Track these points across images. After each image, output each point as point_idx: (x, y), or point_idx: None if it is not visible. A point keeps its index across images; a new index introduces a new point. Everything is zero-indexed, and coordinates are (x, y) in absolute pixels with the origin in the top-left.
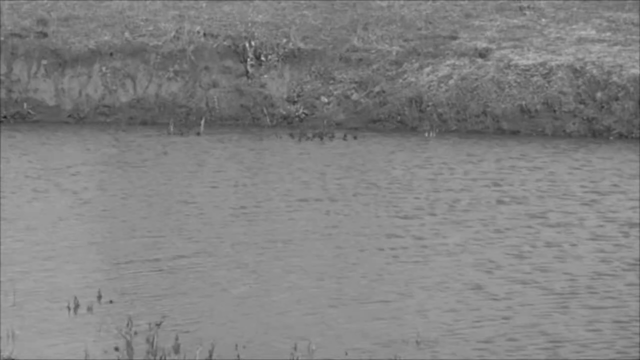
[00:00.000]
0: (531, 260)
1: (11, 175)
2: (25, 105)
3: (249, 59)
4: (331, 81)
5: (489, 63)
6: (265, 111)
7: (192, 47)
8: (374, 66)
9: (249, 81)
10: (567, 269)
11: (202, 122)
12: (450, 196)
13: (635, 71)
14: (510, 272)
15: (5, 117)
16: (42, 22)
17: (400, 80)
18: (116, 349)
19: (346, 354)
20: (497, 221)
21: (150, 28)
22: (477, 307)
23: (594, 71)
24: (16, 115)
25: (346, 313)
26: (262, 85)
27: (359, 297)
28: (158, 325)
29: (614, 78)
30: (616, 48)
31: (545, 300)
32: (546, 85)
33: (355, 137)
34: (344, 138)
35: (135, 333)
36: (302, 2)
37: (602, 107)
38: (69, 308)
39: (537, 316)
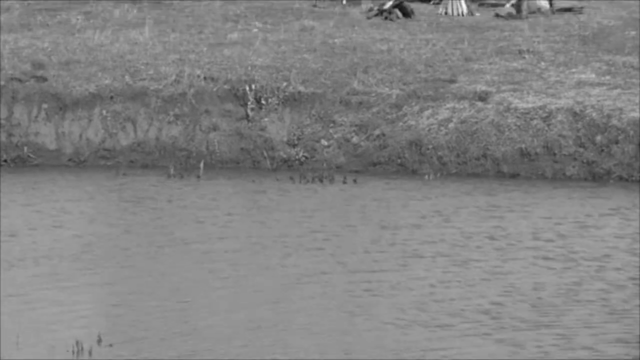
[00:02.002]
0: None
1: (11, 218)
2: (25, 149)
3: (249, 103)
4: (331, 124)
5: (489, 106)
6: (265, 154)
7: (192, 90)
8: (374, 109)
9: (249, 124)
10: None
11: (202, 165)
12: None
13: (635, 114)
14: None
15: (5, 160)
16: (43, 66)
17: (401, 124)
18: None
19: None
20: (489, 261)
21: (151, 72)
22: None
23: (594, 114)
24: (17, 159)
25: None
26: (263, 129)
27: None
28: None
29: (614, 121)
30: (616, 91)
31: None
32: (546, 128)
33: (355, 180)
34: (344, 181)
35: None
36: (302, 45)
37: (602, 150)
38: (72, 352)
39: None
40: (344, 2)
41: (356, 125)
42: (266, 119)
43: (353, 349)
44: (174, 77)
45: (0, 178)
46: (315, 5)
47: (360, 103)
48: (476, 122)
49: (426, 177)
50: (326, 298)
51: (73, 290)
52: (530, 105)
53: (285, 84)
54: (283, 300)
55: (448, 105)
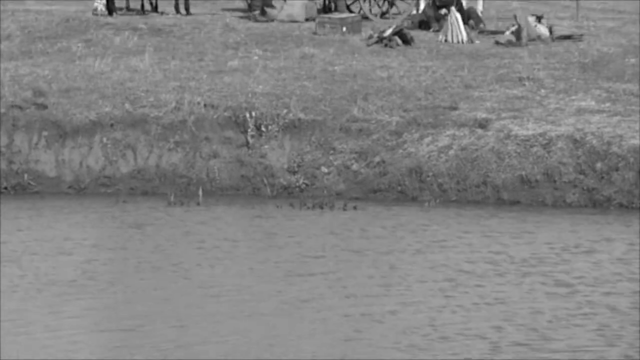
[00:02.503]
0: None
1: (11, 244)
2: (25, 176)
3: (249, 130)
4: (331, 151)
5: (489, 133)
6: (265, 181)
7: (192, 117)
8: (374, 136)
9: (250, 151)
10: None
11: (200, 192)
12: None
13: (635, 141)
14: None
15: (5, 188)
16: (43, 93)
17: (401, 151)
18: None
19: None
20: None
21: (151, 99)
22: None
23: (594, 141)
24: (17, 187)
25: None
26: (263, 156)
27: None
28: None
29: (614, 148)
30: (616, 118)
31: None
32: (546, 155)
33: (355, 207)
34: (344, 208)
35: None
36: (303, 73)
37: (602, 177)
38: None
39: None
40: (344, 29)
41: (356, 152)
42: (266, 146)
43: None
44: (174, 105)
45: (0, 205)
46: (315, 33)
47: (360, 130)
48: (476, 149)
49: (426, 204)
50: (325, 323)
51: (71, 316)
52: (530, 133)
53: (285, 111)
54: (282, 325)
55: (448, 133)
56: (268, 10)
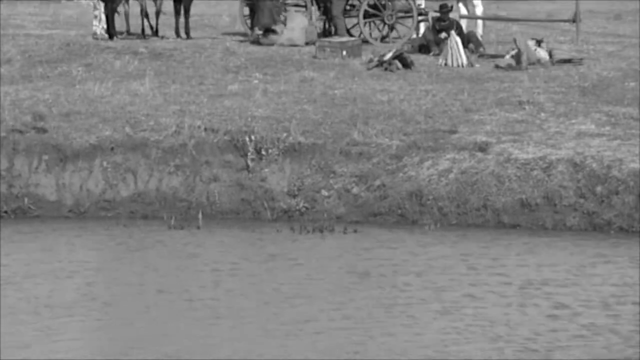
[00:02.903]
0: None
1: (11, 267)
2: (26, 200)
3: (249, 153)
4: (331, 175)
5: (489, 157)
6: (265, 205)
7: (193, 141)
8: (374, 160)
9: (250, 175)
10: None
11: (200, 215)
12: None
13: (635, 165)
14: None
15: (6, 212)
16: (43, 117)
17: (401, 174)
18: None
19: None
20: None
21: (151, 123)
22: None
23: (594, 165)
24: (17, 210)
25: None
26: (263, 179)
27: None
28: None
29: (614, 172)
30: (616, 142)
31: None
32: (546, 179)
33: (355, 231)
34: (345, 232)
35: None
36: (303, 96)
37: (603, 201)
38: None
39: None
40: (344, 53)
41: (356, 176)
42: (266, 170)
43: None
44: (174, 128)
45: (0, 229)
46: (315, 57)
47: (361, 154)
48: (476, 173)
49: (426, 227)
50: (326, 344)
51: (71, 338)
52: (530, 156)
53: (285, 134)
54: (282, 346)
55: (448, 156)
56: (269, 34)
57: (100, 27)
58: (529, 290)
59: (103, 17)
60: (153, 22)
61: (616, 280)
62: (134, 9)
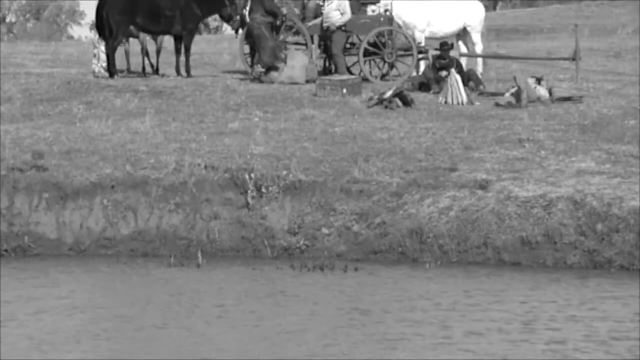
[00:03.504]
0: None
1: (11, 307)
2: (26, 238)
3: (249, 191)
4: (332, 212)
5: (489, 195)
6: (266, 243)
7: (193, 179)
8: (375, 198)
9: (250, 213)
10: None
11: (200, 253)
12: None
13: (635, 203)
14: None
15: (6, 250)
16: (44, 155)
17: (401, 212)
18: None
19: None
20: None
21: (152, 161)
22: None
23: (594, 203)
24: (17, 249)
25: None
26: (263, 217)
27: None
28: None
29: (615, 210)
30: (616, 180)
31: None
32: (546, 216)
33: (356, 269)
34: (345, 269)
35: None
36: (303, 134)
37: (603, 239)
38: None
39: None
40: (344, 91)
41: (357, 214)
42: (267, 208)
43: None
44: (174, 166)
45: (0, 267)
46: (315, 95)
47: (361, 191)
48: (477, 211)
49: (427, 265)
50: None
51: None
52: (530, 194)
53: (285, 172)
54: None
55: (448, 194)
56: (269, 72)
57: (99, 65)
58: (531, 326)
59: (102, 55)
60: (153, 60)
61: (617, 318)
62: (135, 47)
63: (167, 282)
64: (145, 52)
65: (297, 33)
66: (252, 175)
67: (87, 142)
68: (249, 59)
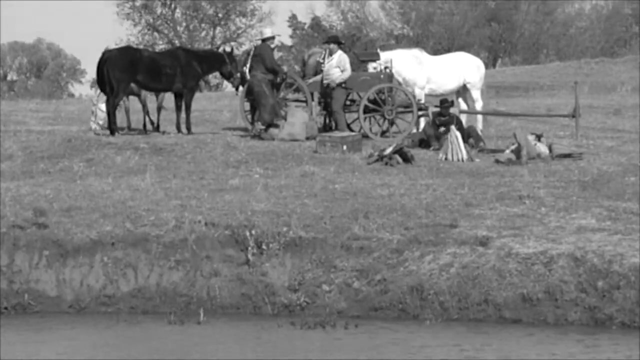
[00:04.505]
0: None
1: None
2: (26, 296)
3: (250, 248)
4: (332, 269)
5: (490, 251)
6: (266, 300)
7: (193, 236)
8: (375, 254)
9: (250, 270)
10: None
11: (201, 311)
12: None
13: (636, 260)
14: None
15: (6, 308)
16: (44, 213)
17: (402, 269)
18: None
19: None
20: None
21: (152, 218)
22: None
23: (595, 260)
24: (17, 306)
25: None
26: (264, 274)
27: None
28: None
29: (615, 267)
30: (616, 237)
31: None
32: (547, 273)
33: (356, 326)
34: (346, 327)
35: None
36: (303, 191)
37: (604, 296)
38: None
39: None
40: (345, 148)
41: (357, 270)
42: (267, 264)
43: None
44: (175, 223)
45: (0, 325)
46: (316, 151)
47: (362, 248)
48: (477, 267)
49: (428, 322)
50: None
51: None
52: (531, 251)
53: (286, 229)
54: None
55: (449, 251)
56: (270, 128)
57: (95, 122)
58: None
59: (99, 113)
60: (154, 118)
61: None
62: (135, 104)
63: (167, 339)
64: (145, 110)
65: (297, 90)
66: (253, 232)
67: (87, 200)
68: (249, 116)
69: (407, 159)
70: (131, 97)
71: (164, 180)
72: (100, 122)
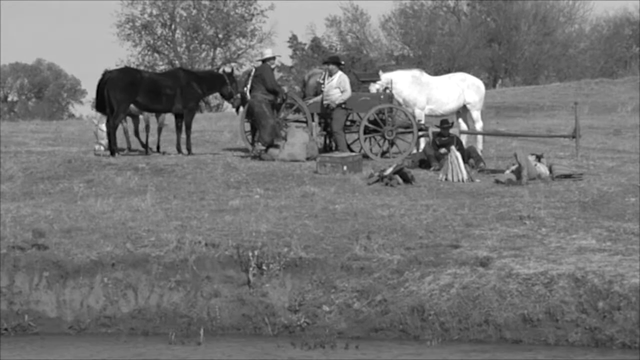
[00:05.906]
0: None
1: None
2: (26, 317)
3: (250, 268)
4: (333, 290)
5: (490, 272)
6: (266, 320)
7: (194, 257)
8: (376, 275)
9: (251, 290)
10: None
11: (202, 331)
12: None
13: (636, 281)
14: None
15: (6, 329)
16: (44, 234)
17: (402, 289)
18: None
19: None
20: None
21: (152, 238)
22: None
23: (596, 280)
24: (17, 328)
25: None
26: (264, 295)
27: None
28: None
29: (616, 287)
30: (617, 257)
31: None
32: (548, 294)
33: (357, 347)
34: (346, 347)
35: None
36: (304, 211)
37: (605, 316)
38: None
39: None
40: (345, 168)
41: (358, 291)
42: (267, 285)
43: None
44: (175, 244)
45: (0, 346)
46: (316, 172)
47: (362, 268)
48: (478, 288)
49: (428, 342)
50: None
51: None
52: (531, 271)
53: (286, 249)
54: None
55: (449, 271)
56: (270, 149)
57: (99, 143)
58: None
59: (99, 132)
60: (154, 139)
61: None
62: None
63: None
64: (148, 131)
65: (297, 111)
66: (253, 252)
67: (87, 220)
68: (249, 137)
69: (407, 180)
70: (130, 119)
71: (164, 200)
72: (103, 142)
